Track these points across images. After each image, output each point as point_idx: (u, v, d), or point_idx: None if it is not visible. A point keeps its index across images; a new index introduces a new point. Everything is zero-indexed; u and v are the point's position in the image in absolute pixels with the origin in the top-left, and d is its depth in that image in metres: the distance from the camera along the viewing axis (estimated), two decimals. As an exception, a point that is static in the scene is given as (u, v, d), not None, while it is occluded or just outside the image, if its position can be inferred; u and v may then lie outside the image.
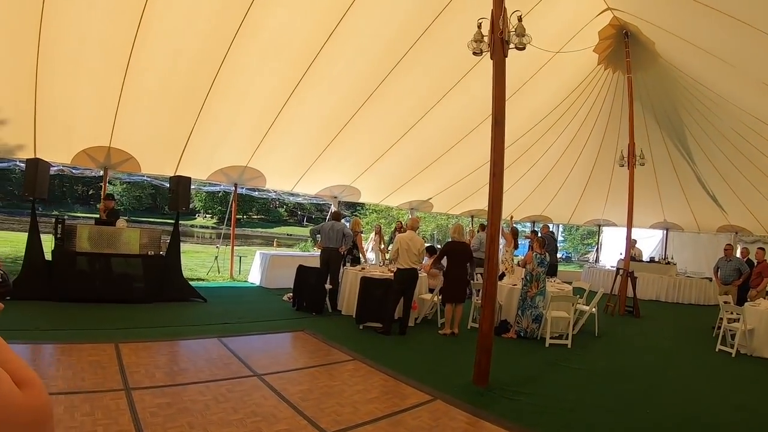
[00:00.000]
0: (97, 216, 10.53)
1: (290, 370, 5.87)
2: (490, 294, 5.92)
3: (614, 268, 14.04)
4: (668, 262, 16.45)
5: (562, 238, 42.97)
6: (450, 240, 8.82)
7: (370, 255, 13.13)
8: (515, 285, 8.95)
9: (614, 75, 13.45)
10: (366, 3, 8.53)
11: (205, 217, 56.08)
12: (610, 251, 20.91)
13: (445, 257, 8.71)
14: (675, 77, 12.01)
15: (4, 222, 29.89)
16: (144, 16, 7.79)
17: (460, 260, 8.50)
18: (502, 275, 10.03)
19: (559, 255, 38.86)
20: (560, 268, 24.97)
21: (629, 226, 12.69)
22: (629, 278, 12.13)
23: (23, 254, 8.71)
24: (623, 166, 12.71)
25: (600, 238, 23.18)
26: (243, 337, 7.25)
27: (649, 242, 19.87)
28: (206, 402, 4.51)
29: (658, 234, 19.96)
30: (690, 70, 10.92)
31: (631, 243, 14.81)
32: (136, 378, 4.98)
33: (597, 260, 22.19)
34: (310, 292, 9.58)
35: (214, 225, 48.14)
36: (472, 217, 19.11)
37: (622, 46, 12.01)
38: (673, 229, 19.27)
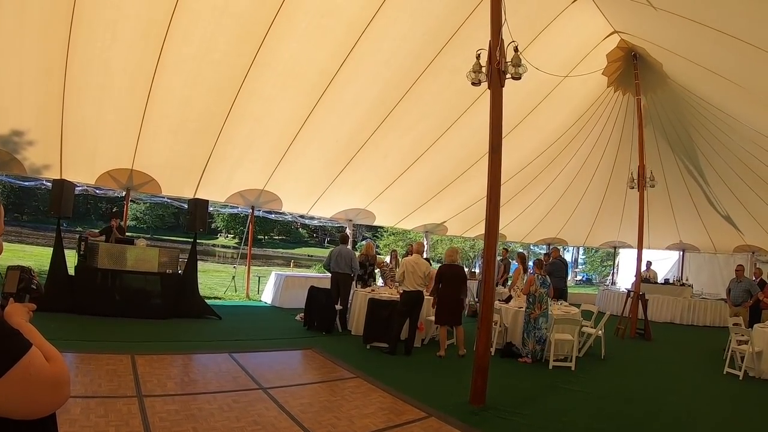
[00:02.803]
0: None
1: (294, 385, 6.12)
2: (486, 316, 6.09)
3: (627, 290, 14.02)
4: (683, 284, 16.35)
5: (582, 261, 42.70)
6: (443, 263, 8.98)
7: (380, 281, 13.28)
8: (521, 307, 9.00)
9: (624, 97, 13.56)
10: (376, 32, 8.90)
11: (227, 236, 56.76)
12: (627, 273, 20.77)
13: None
14: (684, 98, 12.10)
15: (30, 236, 30.73)
16: (165, 46, 8.27)
17: (451, 283, 8.56)
18: (509, 298, 10.18)
19: (579, 277, 38.85)
20: (580, 290, 24.85)
21: (640, 247, 12.74)
22: (640, 300, 12.14)
23: (47, 268, 9.20)
24: (633, 188, 12.77)
25: (617, 260, 23.06)
26: (253, 353, 7.54)
27: (664, 264, 19.69)
28: (212, 410, 4.80)
29: (674, 255, 19.82)
30: (698, 90, 11.01)
31: (646, 265, 14.79)
32: (148, 386, 5.32)
33: (613, 282, 22.06)
34: (321, 312, 9.85)
35: (235, 245, 48.71)
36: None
37: (631, 68, 12.15)
38: (689, 250, 19.13)
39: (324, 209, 14.23)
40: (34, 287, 1.53)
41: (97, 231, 10.62)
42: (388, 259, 14.01)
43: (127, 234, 11.24)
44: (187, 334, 8.39)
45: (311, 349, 8.16)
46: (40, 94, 8.74)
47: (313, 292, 10.10)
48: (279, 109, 10.13)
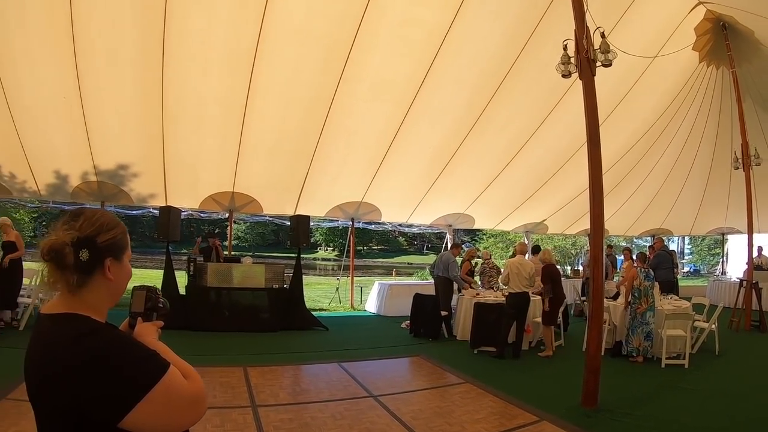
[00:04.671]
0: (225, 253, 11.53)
1: (404, 392, 6.22)
2: (597, 315, 5.93)
3: (739, 280, 13.10)
4: (799, 269, 15.00)
5: (689, 251, 40.33)
6: (547, 264, 8.77)
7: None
8: (630, 304, 8.67)
9: (718, 71, 12.69)
10: (457, 36, 8.90)
11: (327, 249, 57.77)
12: (738, 261, 19.33)
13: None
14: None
15: (137, 260, 32.77)
16: (254, 73, 8.71)
17: (559, 283, 8.40)
18: (617, 294, 9.78)
19: (686, 269, 36.65)
20: (688, 282, 23.39)
21: (750, 232, 11.86)
22: (753, 290, 11.33)
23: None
24: (738, 168, 11.96)
25: (725, 248, 21.60)
26: (361, 362, 7.72)
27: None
28: (324, 419, 4.98)
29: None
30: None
31: (757, 251, 13.76)
32: (262, 397, 5.59)
33: (723, 272, 20.67)
34: (426, 318, 9.89)
35: (335, 257, 49.44)
36: (589, 236, 18.40)
37: (722, 39, 11.33)
38: (805, 231, 17.55)
39: (423, 216, 14.25)
40: (161, 305, 1.62)
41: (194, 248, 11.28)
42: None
43: (232, 253, 11.83)
44: (296, 346, 8.69)
45: (419, 356, 8.22)
46: (140, 130, 9.51)
47: (419, 300, 10.18)
48: (371, 121, 10.32)
